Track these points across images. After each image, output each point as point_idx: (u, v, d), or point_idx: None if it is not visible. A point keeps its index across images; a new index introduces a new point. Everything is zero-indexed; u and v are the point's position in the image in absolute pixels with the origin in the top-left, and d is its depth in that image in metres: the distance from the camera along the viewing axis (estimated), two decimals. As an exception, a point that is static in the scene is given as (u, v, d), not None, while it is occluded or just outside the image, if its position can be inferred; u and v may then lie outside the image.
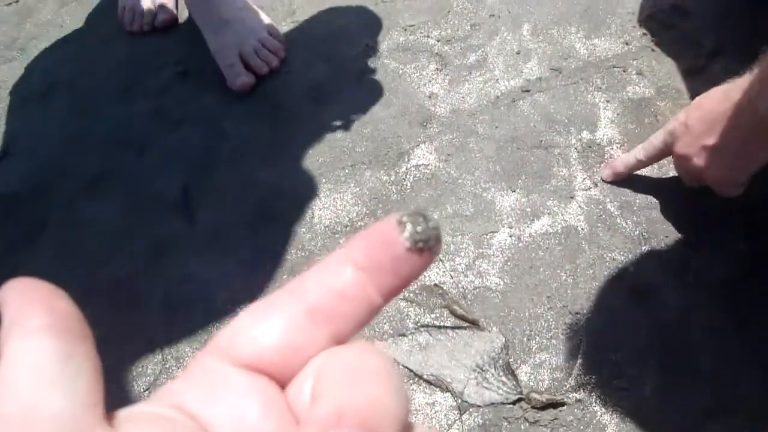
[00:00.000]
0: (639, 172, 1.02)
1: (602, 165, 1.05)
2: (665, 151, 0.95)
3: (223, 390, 0.20)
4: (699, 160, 0.88)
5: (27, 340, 0.18)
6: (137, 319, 1.02)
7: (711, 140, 0.86)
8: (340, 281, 0.21)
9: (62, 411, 0.17)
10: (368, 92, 1.20)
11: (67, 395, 0.17)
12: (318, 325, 0.20)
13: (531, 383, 0.89)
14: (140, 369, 0.98)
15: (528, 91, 1.15)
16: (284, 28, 1.33)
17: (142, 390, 0.96)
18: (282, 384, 0.20)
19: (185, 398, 0.19)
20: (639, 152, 0.98)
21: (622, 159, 1.01)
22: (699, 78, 1.12)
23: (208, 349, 0.21)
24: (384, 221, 0.21)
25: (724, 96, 0.85)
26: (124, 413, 0.18)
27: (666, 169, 1.03)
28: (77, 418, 0.17)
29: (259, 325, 0.20)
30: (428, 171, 1.09)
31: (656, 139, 0.95)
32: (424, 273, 0.96)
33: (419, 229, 0.21)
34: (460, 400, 0.88)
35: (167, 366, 0.98)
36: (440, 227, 0.22)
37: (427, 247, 0.21)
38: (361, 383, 0.18)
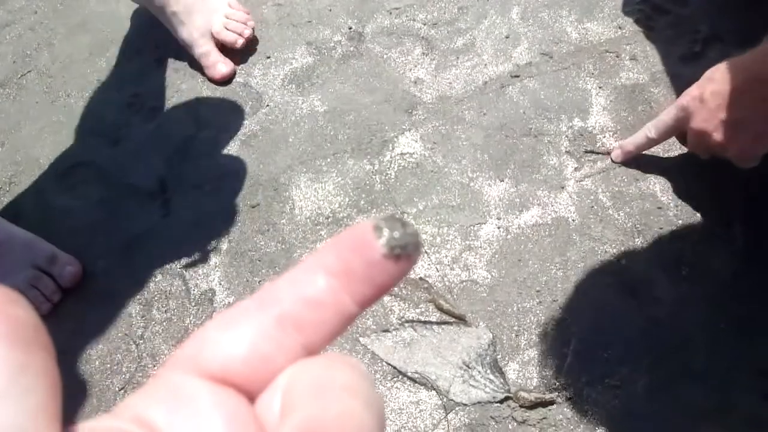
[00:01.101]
0: (635, 160, 0.98)
1: (608, 148, 1.01)
2: (677, 127, 0.91)
3: (186, 403, 0.18)
4: (718, 135, 0.84)
5: None
6: (112, 314, 0.99)
7: (731, 114, 0.82)
8: (312, 289, 0.20)
9: (12, 426, 0.15)
10: (351, 77, 1.16)
11: (19, 409, 0.15)
12: (289, 334, 0.19)
13: (519, 381, 0.86)
14: (116, 366, 0.95)
15: (517, 76, 1.11)
16: (264, 10, 1.28)
17: (117, 389, 0.93)
18: (251, 396, 0.19)
19: (147, 412, 0.18)
20: (650, 130, 0.94)
21: (631, 139, 0.97)
22: (695, 64, 1.08)
23: (172, 360, 0.20)
24: (359, 225, 0.20)
25: (742, 67, 0.81)
26: (81, 428, 0.17)
27: (661, 158, 0.99)
28: None
29: (227, 335, 0.19)
30: (413, 160, 1.05)
31: (668, 116, 0.91)
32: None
33: (396, 234, 0.20)
34: (445, 399, 0.85)
35: (143, 363, 0.94)
36: (419, 233, 0.19)
37: (404, 254, 0.20)
38: (331, 399, 0.18)
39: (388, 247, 0.19)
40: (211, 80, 1.19)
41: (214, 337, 0.19)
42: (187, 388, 0.18)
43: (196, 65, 1.22)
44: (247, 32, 1.21)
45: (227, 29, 1.19)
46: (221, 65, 1.18)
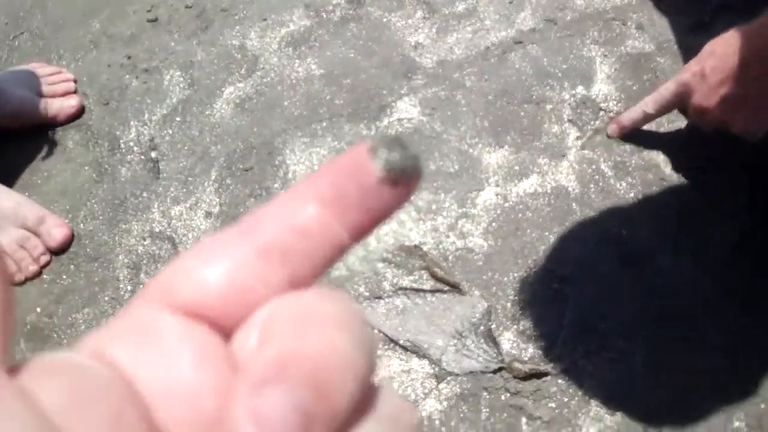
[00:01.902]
0: (639, 131, 0.96)
1: (600, 122, 0.98)
2: (677, 103, 0.89)
3: (153, 338, 0.17)
4: (720, 111, 0.83)
5: None
6: (100, 278, 0.97)
7: (732, 90, 0.80)
8: (300, 215, 0.18)
9: None
10: (349, 41, 1.13)
11: None
12: (272, 265, 0.17)
13: (513, 352, 0.84)
14: (103, 331, 0.92)
15: (520, 42, 1.08)
16: (262, -28, 1.25)
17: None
18: (227, 333, 0.17)
19: (110, 346, 0.16)
20: (648, 105, 0.91)
21: (628, 114, 0.95)
22: (703, 34, 1.05)
23: (143, 292, 0.18)
24: (355, 147, 0.18)
25: (744, 41, 0.79)
26: (33, 362, 0.15)
27: (665, 128, 0.97)
28: None
29: (202, 265, 0.17)
30: (411, 125, 1.02)
31: (667, 91, 0.89)
32: (405, 233, 0.90)
33: (395, 157, 0.18)
34: (437, 368, 0.83)
35: (130, 328, 0.92)
36: (420, 156, 0.19)
37: (403, 178, 0.18)
38: (314, 330, 0.16)
39: (385, 170, 0.17)
40: (204, 38, 1.17)
41: (189, 267, 0.17)
42: (155, 323, 0.17)
43: (191, 26, 1.19)
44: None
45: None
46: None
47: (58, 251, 1.00)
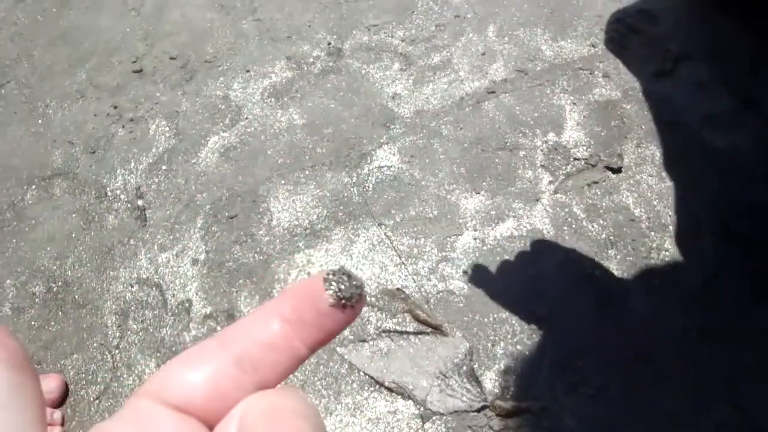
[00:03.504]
0: (609, 176, 1.00)
1: (571, 166, 1.02)
2: None
3: (151, 427, 0.21)
4: None
5: None
6: (88, 324, 0.98)
7: None
8: (268, 333, 0.23)
9: None
10: (330, 92, 1.17)
11: (20, 419, 0.19)
12: (246, 373, 0.22)
13: (496, 390, 0.86)
14: (91, 376, 0.94)
15: (493, 92, 1.13)
16: (245, 25, 1.29)
17: (92, 398, 0.92)
18: (210, 425, 0.22)
19: None
20: None
21: None
22: (666, 81, 1.11)
23: (140, 390, 0.22)
24: (311, 278, 0.23)
25: None
26: None
27: (633, 172, 1.01)
28: None
29: (189, 371, 0.22)
30: (391, 173, 1.06)
31: None
32: (387, 277, 0.93)
33: (343, 286, 0.23)
34: (422, 408, 0.85)
35: (118, 374, 0.93)
36: (364, 285, 0.28)
37: (349, 304, 0.23)
38: (284, 420, 0.20)
39: (336, 297, 0.23)
40: (189, 88, 1.20)
41: (178, 372, 0.22)
42: (154, 416, 0.21)
43: (176, 77, 1.22)
44: None
45: None
46: None
47: (62, 396, 0.93)
